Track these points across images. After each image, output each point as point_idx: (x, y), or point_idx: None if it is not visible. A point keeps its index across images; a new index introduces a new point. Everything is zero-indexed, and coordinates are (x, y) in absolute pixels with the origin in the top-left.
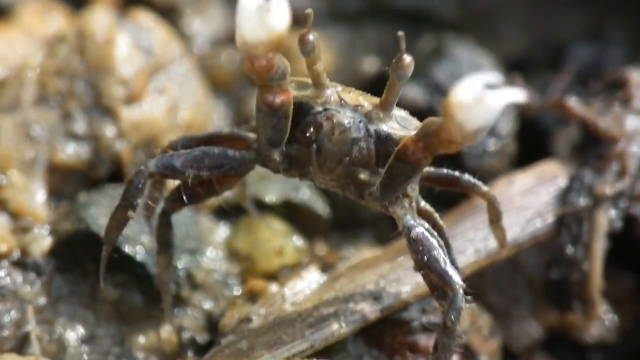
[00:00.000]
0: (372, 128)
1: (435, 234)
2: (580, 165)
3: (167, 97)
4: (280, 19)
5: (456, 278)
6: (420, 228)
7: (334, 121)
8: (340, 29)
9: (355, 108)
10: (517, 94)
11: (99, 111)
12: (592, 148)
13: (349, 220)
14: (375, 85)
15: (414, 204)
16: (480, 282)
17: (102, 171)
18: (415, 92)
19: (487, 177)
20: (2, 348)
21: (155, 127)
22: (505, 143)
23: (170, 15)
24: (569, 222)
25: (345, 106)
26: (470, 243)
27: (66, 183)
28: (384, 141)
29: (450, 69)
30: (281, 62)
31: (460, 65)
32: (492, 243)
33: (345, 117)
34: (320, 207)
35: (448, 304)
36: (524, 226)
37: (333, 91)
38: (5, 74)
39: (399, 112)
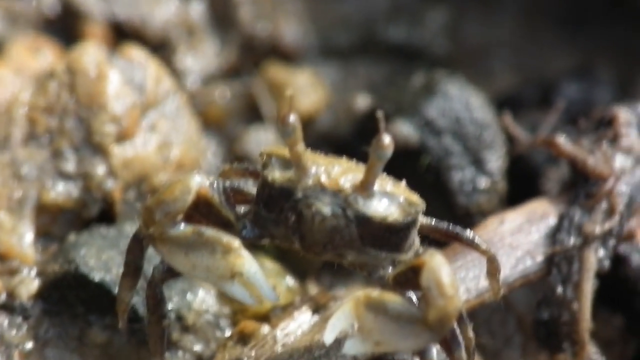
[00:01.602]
0: (352, 214)
1: None
2: (570, 204)
3: (159, 135)
4: None
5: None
6: None
7: (313, 210)
8: (332, 65)
9: (335, 193)
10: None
11: (89, 149)
12: (582, 186)
13: None
14: (367, 121)
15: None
16: (471, 322)
17: (93, 210)
18: (407, 129)
19: (477, 215)
20: None
21: (147, 165)
22: (496, 181)
23: (162, 51)
24: (559, 261)
25: (325, 192)
26: (461, 282)
27: (55, 223)
28: (365, 224)
29: (441, 105)
30: None
31: (452, 102)
32: (483, 282)
33: (325, 205)
34: None
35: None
36: (514, 265)
37: (314, 173)
38: None
39: (384, 186)
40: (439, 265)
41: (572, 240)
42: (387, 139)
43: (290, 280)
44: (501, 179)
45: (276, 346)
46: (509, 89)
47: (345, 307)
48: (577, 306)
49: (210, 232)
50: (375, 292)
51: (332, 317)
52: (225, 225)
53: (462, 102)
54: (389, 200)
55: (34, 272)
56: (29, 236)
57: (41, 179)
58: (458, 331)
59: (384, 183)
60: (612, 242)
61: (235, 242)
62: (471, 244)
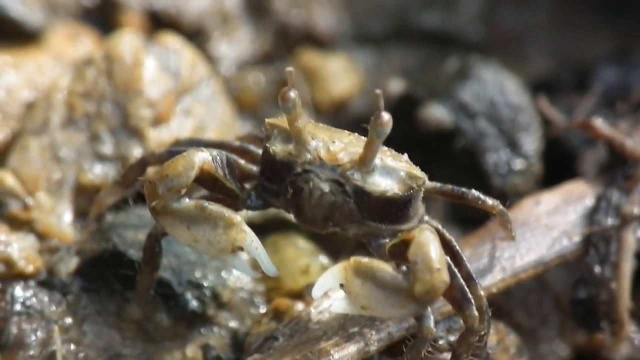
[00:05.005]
0: (350, 189)
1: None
2: (608, 185)
3: (193, 118)
4: None
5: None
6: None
7: (312, 185)
8: (366, 52)
9: (334, 167)
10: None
11: (126, 132)
12: (619, 168)
13: None
14: (400, 105)
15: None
16: (508, 302)
17: (129, 191)
18: (441, 113)
19: (513, 196)
20: None
21: None
22: (531, 163)
23: (197, 39)
24: (597, 241)
25: (323, 166)
26: (496, 261)
27: (93, 204)
28: (363, 199)
29: (475, 89)
30: None
31: (486, 86)
32: (518, 262)
33: (323, 181)
34: None
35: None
36: (550, 245)
37: (313, 147)
38: (34, 97)
39: (383, 160)
40: (427, 240)
41: (609, 221)
42: (386, 117)
43: (324, 259)
44: (537, 160)
45: (310, 323)
46: (544, 74)
47: (334, 269)
48: (615, 285)
49: (213, 206)
50: (365, 259)
51: (321, 276)
52: (231, 195)
53: (496, 86)
54: (390, 175)
55: (72, 250)
56: (67, 216)
57: (79, 161)
58: (467, 290)
59: (385, 157)
60: None
61: (237, 217)
62: (477, 202)
